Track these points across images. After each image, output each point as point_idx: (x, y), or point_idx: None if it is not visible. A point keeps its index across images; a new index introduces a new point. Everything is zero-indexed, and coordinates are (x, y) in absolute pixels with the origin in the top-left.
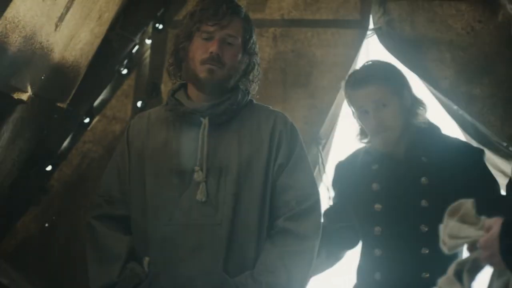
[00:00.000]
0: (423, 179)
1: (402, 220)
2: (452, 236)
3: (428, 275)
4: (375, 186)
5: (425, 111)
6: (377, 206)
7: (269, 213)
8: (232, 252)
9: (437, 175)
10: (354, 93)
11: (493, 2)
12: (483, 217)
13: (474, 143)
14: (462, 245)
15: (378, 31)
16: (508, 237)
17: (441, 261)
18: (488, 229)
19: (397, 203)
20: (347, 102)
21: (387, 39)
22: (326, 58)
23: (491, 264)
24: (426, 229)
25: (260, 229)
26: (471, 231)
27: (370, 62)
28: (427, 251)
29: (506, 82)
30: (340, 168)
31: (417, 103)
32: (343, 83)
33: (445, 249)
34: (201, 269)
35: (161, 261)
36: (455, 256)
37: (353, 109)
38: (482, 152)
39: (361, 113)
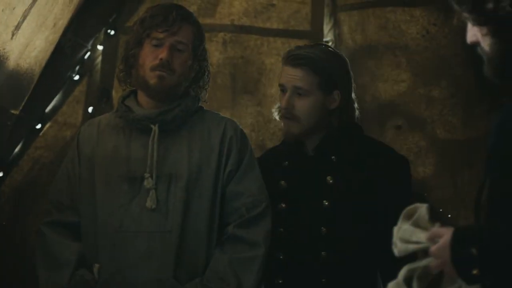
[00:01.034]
0: (328, 178)
1: (303, 221)
2: (403, 240)
3: (326, 280)
4: (283, 183)
5: (354, 115)
6: (282, 206)
7: (219, 220)
8: (182, 259)
9: (344, 175)
10: (284, 68)
11: (447, 6)
12: (437, 223)
13: None
14: (412, 250)
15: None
16: (460, 245)
17: (339, 266)
18: (436, 237)
19: (300, 203)
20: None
21: None
22: (275, 67)
23: (443, 272)
24: (326, 232)
25: (210, 236)
26: (423, 236)
27: (320, 46)
28: (326, 255)
29: (464, 84)
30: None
31: (348, 106)
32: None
33: (395, 252)
34: (151, 276)
35: (111, 268)
36: (354, 262)
37: None
38: (404, 161)
39: (280, 89)
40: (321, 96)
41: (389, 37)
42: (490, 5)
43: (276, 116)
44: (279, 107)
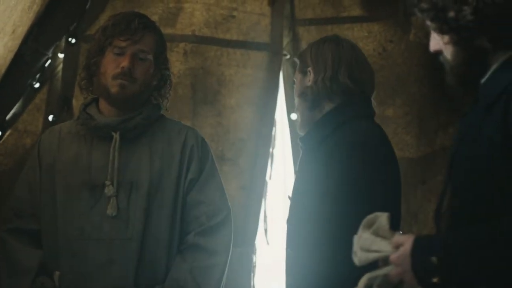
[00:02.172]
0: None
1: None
2: (363, 249)
3: (291, 278)
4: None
5: (339, 97)
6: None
7: (179, 228)
8: (142, 266)
9: (306, 168)
10: None
11: (405, 21)
12: (397, 232)
13: None
14: (373, 259)
15: (285, 56)
16: (420, 253)
17: (300, 264)
18: (398, 246)
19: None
20: None
21: (292, 66)
22: (234, 78)
23: (403, 280)
24: (290, 228)
25: (171, 244)
26: (383, 245)
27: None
28: (290, 252)
29: (419, 101)
30: None
31: (320, 82)
32: None
33: (356, 261)
34: (111, 284)
35: (71, 276)
36: (314, 259)
37: None
38: (350, 147)
39: None
40: (301, 79)
41: None
42: (451, 14)
43: None
44: None
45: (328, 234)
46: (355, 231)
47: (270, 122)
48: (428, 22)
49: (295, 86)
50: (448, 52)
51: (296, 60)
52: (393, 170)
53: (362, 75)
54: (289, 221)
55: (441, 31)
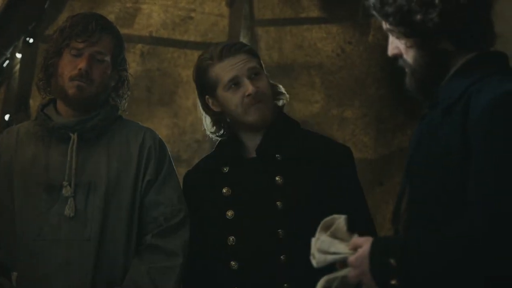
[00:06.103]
0: (277, 179)
1: (257, 226)
2: (321, 251)
3: (287, 285)
4: (226, 190)
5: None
6: (229, 213)
7: (137, 229)
8: (100, 268)
9: (292, 173)
10: (224, 64)
11: (364, 23)
12: (355, 234)
13: None
14: (331, 261)
15: None
16: (379, 255)
17: (300, 269)
18: (356, 248)
19: (251, 208)
20: (206, 82)
21: None
22: (191, 79)
23: (361, 282)
24: (283, 234)
25: (129, 245)
26: (341, 247)
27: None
28: (285, 259)
29: (377, 102)
30: (187, 178)
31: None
32: (198, 65)
33: (314, 263)
34: (69, 285)
35: (29, 277)
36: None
37: (210, 91)
38: (349, 151)
39: (230, 87)
40: (265, 74)
41: (305, 56)
42: (418, 17)
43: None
44: (242, 98)
45: None
46: None
47: None
48: (389, 27)
49: (262, 77)
50: (410, 56)
51: (246, 52)
52: None
53: None
54: (282, 227)
55: (405, 35)
